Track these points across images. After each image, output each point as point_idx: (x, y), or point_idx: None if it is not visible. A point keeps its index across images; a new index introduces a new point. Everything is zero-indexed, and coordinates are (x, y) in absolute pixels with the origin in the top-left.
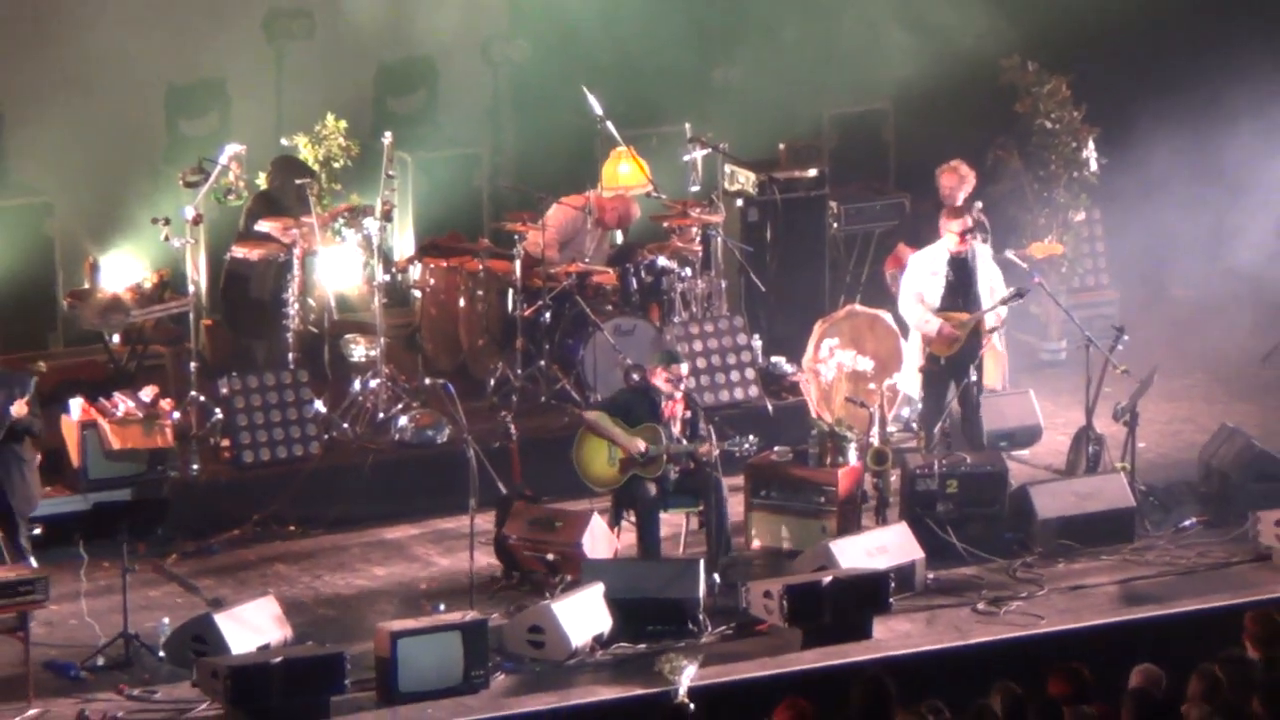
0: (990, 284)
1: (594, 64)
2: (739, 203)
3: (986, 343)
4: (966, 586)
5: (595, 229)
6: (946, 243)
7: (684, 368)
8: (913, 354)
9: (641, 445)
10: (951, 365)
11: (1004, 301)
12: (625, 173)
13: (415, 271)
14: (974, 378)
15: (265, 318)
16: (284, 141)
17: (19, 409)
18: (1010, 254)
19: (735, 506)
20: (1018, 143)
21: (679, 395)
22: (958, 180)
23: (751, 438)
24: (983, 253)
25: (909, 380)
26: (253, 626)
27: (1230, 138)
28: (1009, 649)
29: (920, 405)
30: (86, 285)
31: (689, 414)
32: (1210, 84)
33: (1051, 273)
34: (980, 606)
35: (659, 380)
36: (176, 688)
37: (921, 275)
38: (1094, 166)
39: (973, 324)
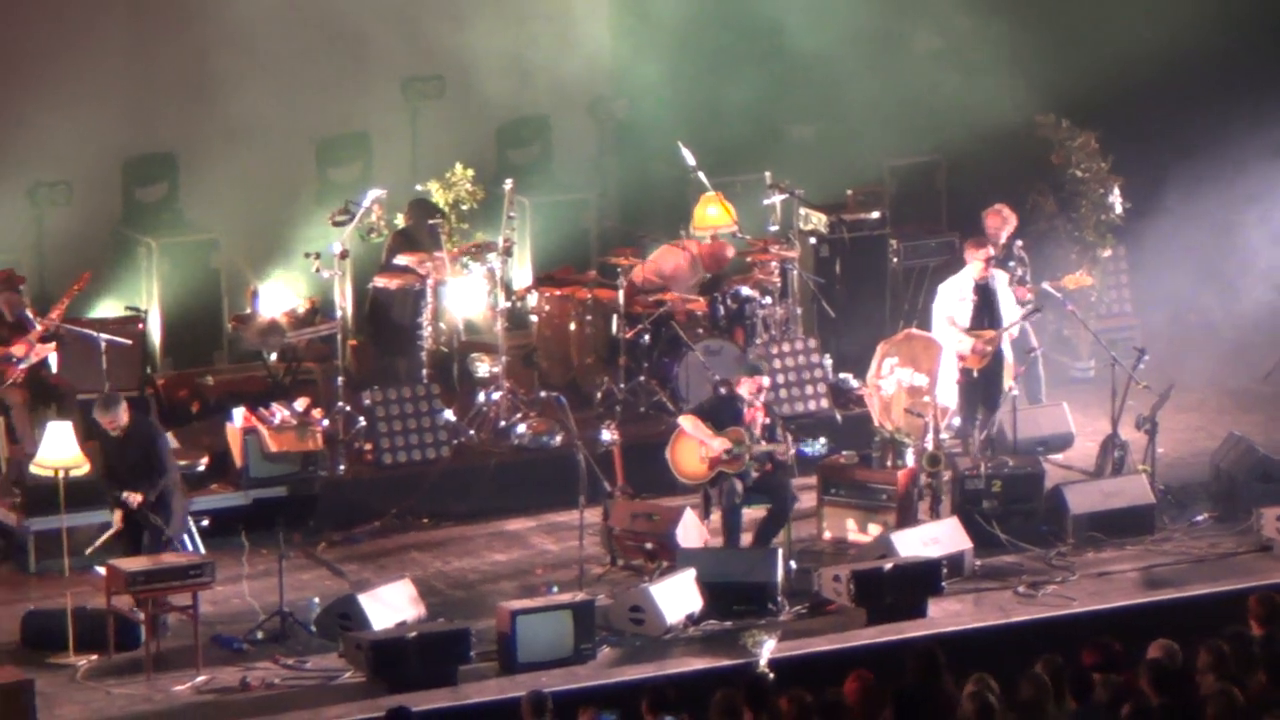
0: (1009, 303)
1: (686, 120)
2: (812, 240)
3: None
4: (1009, 572)
5: (695, 273)
6: (971, 271)
7: (766, 380)
8: (948, 371)
9: (727, 444)
10: (984, 377)
11: (1024, 316)
12: (714, 214)
13: (532, 299)
14: (1015, 392)
15: (403, 338)
16: (419, 187)
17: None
18: (1047, 285)
19: (809, 502)
20: (1053, 189)
21: (759, 403)
22: (1001, 221)
23: (822, 439)
24: (1001, 278)
25: (947, 393)
26: (391, 605)
27: (1241, 184)
28: (1045, 626)
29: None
30: (248, 310)
31: (768, 420)
32: (1224, 136)
33: (1082, 302)
34: (1020, 589)
35: (744, 388)
36: (325, 658)
37: (951, 301)
38: (1119, 210)
39: (1000, 339)
